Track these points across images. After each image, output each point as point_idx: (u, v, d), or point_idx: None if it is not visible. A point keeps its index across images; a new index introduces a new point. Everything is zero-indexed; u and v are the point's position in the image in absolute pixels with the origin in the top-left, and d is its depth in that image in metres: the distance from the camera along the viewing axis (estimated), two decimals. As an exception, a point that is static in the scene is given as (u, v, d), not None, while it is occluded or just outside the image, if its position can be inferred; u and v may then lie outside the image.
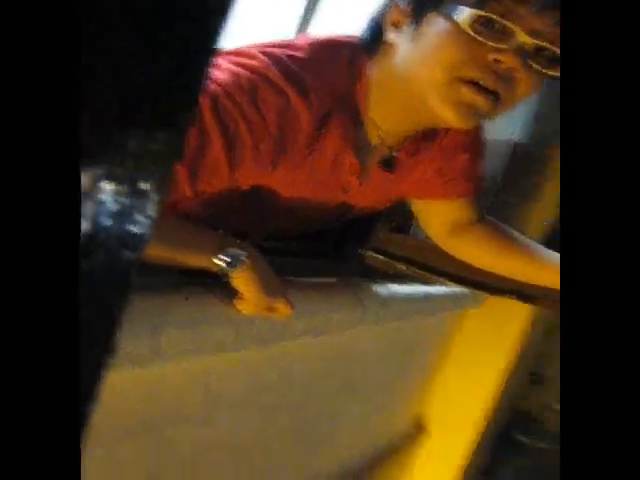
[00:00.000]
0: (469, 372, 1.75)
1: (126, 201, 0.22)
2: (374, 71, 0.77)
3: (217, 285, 0.67)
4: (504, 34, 0.63)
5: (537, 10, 0.63)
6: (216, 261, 0.64)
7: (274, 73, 0.71)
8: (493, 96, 0.67)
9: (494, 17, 0.62)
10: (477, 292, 1.37)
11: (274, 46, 0.75)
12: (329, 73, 0.76)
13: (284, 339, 0.80)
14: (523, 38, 0.63)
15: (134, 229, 0.23)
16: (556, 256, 1.02)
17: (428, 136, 0.89)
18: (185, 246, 0.65)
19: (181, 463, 0.79)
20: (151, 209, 0.23)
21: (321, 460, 1.23)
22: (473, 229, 1.04)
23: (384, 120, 0.80)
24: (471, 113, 0.69)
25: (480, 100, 0.67)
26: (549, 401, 3.91)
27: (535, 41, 0.63)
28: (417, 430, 1.80)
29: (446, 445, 1.79)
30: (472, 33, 0.63)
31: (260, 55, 0.72)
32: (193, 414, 0.76)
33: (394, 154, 0.86)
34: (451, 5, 0.64)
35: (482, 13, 0.62)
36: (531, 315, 1.72)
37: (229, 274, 0.65)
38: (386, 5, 0.74)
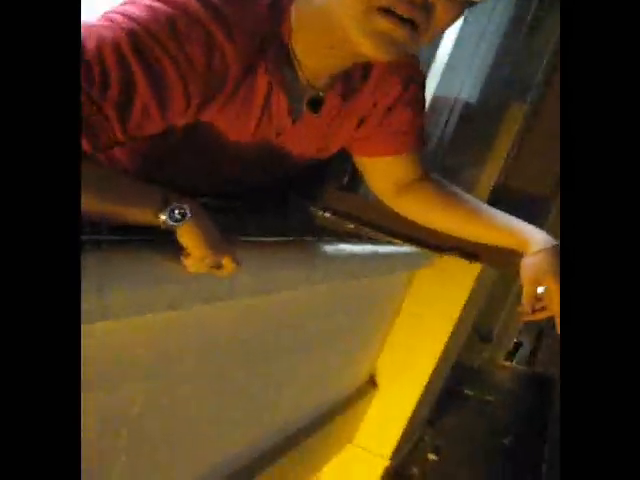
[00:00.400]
0: (419, 329, 1.80)
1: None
2: (297, 9, 0.76)
3: (163, 241, 0.66)
4: None
5: None
6: (161, 216, 0.64)
7: (196, 8, 0.68)
8: (410, 24, 0.66)
9: None
10: (426, 251, 1.40)
11: None
12: (252, 13, 0.74)
13: (232, 297, 0.80)
14: None
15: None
16: (500, 214, 1.05)
17: (357, 79, 0.89)
18: (127, 201, 0.63)
19: (138, 416, 0.79)
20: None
21: (272, 417, 1.26)
22: (419, 186, 1.06)
23: (310, 58, 0.80)
24: (388, 43, 0.67)
25: (396, 29, 0.65)
26: (495, 356, 4.07)
27: None
28: (369, 384, 1.85)
29: (395, 398, 1.86)
30: None
31: None
32: (137, 372, 0.76)
33: (321, 94, 0.86)
34: None
35: None
36: (480, 274, 1.77)
37: (174, 229, 0.65)
38: None
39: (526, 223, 1.02)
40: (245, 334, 0.97)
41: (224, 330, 0.91)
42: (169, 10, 0.67)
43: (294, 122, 0.87)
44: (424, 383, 1.82)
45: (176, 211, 0.64)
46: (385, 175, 1.06)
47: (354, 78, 0.89)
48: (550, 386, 3.91)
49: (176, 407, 0.87)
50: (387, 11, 0.64)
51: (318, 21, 0.74)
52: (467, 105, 1.73)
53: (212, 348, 0.90)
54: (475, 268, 1.72)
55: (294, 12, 0.77)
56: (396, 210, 1.11)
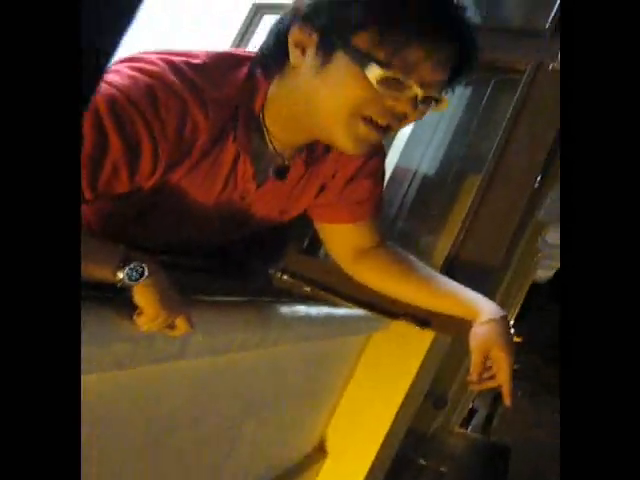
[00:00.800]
0: (371, 394, 1.79)
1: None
2: (274, 87, 0.82)
3: (116, 299, 0.66)
4: (402, 87, 0.72)
5: (432, 66, 0.72)
6: (119, 274, 0.64)
7: (172, 79, 0.74)
8: (385, 129, 0.77)
9: (399, 77, 0.71)
10: (382, 316, 1.42)
11: (173, 54, 0.78)
12: (227, 85, 0.80)
13: (183, 358, 0.79)
14: (416, 91, 0.73)
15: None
16: (451, 284, 1.08)
17: (321, 150, 0.94)
18: (86, 256, 0.63)
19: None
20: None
21: (219, 482, 1.22)
22: (374, 253, 1.09)
23: (280, 131, 0.85)
24: (364, 144, 0.78)
25: (374, 134, 0.77)
26: (450, 424, 4.04)
27: (425, 92, 0.73)
28: (318, 452, 1.81)
29: (346, 467, 1.82)
30: (378, 87, 0.71)
31: (159, 61, 0.75)
32: (84, 431, 0.74)
33: (287, 162, 0.91)
34: (362, 56, 0.71)
35: (390, 74, 0.70)
36: (435, 339, 1.79)
37: (130, 288, 0.65)
38: (286, 20, 0.77)
39: (476, 293, 1.05)
40: (191, 396, 0.96)
41: (169, 392, 0.89)
42: (149, 80, 0.72)
43: (258, 187, 0.90)
44: (375, 451, 1.79)
45: (134, 270, 0.64)
46: (343, 241, 1.09)
47: (318, 148, 0.94)
48: (505, 455, 3.89)
49: (109, 474, 0.84)
50: (368, 119, 0.75)
51: (299, 107, 0.80)
52: (426, 177, 1.80)
53: (155, 410, 0.88)
54: (430, 333, 1.74)
55: (273, 90, 0.82)
56: (353, 276, 1.13)
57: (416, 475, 2.70)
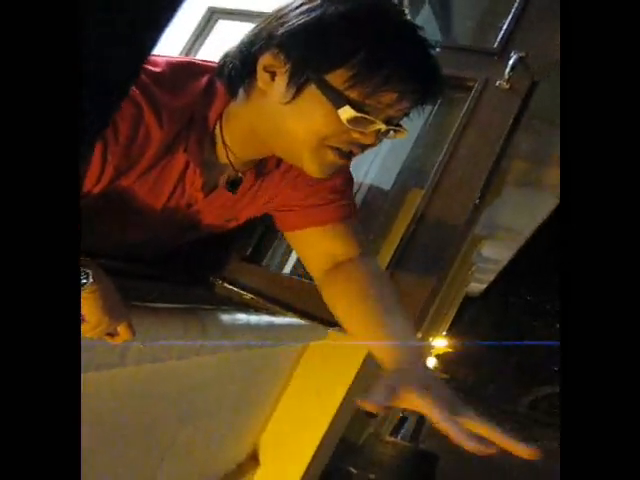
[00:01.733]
0: (305, 403, 1.80)
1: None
2: (236, 104, 0.82)
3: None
4: (370, 124, 0.75)
5: (402, 106, 0.76)
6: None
7: None
8: (349, 155, 0.81)
9: (368, 118, 0.74)
10: (320, 326, 1.44)
11: None
12: (185, 94, 0.79)
13: (123, 365, 0.78)
14: (380, 126, 0.76)
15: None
16: (399, 329, 0.89)
17: (274, 162, 0.94)
18: None
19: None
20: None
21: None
22: (342, 269, 0.97)
23: (238, 145, 0.86)
24: (330, 169, 0.81)
25: (340, 160, 0.80)
26: (381, 433, 4.11)
27: (389, 127, 0.77)
28: (251, 461, 1.81)
29: (277, 476, 1.82)
30: (348, 125, 0.74)
31: None
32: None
33: (240, 175, 0.91)
34: (336, 96, 0.72)
35: (361, 115, 0.73)
36: (366, 351, 1.81)
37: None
38: (258, 43, 0.76)
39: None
40: (127, 402, 0.94)
41: (105, 398, 0.88)
42: None
43: (206, 196, 0.90)
44: (307, 461, 1.80)
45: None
46: (312, 249, 0.99)
47: (270, 161, 0.95)
48: (432, 462, 3.99)
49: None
50: (335, 148, 0.78)
51: (262, 128, 0.81)
52: (370, 191, 1.84)
53: (92, 416, 0.86)
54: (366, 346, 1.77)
55: (235, 107, 0.82)
56: (322, 293, 0.99)
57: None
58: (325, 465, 2.25)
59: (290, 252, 1.72)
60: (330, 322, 1.28)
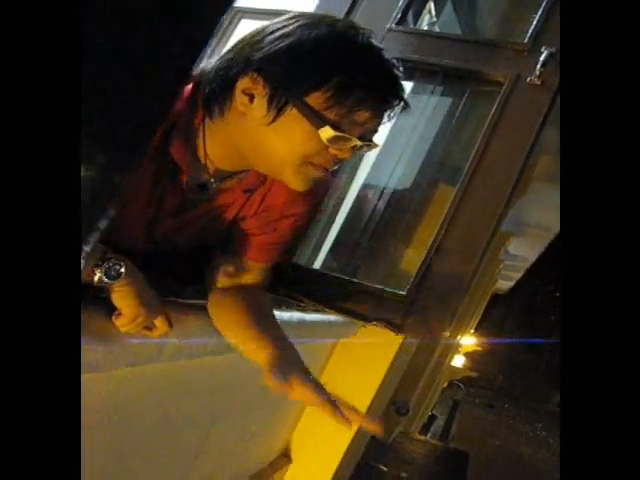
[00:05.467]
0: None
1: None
2: (215, 124, 0.84)
3: (93, 300, 0.65)
4: (347, 141, 0.79)
5: (376, 123, 0.81)
6: (97, 272, 0.62)
7: None
8: (326, 169, 0.85)
9: (347, 136, 0.78)
10: (351, 322, 1.43)
11: None
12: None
13: (159, 361, 0.78)
14: (356, 142, 0.80)
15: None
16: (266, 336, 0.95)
17: (257, 178, 0.95)
18: None
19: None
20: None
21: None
22: (237, 294, 0.98)
23: (216, 156, 0.88)
24: (310, 181, 0.85)
25: (318, 174, 0.84)
26: (410, 431, 4.08)
27: (364, 143, 0.81)
28: (283, 458, 1.80)
29: (309, 474, 1.81)
30: (327, 144, 0.78)
31: None
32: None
33: (211, 180, 0.91)
34: (315, 117, 0.76)
35: (340, 134, 0.77)
36: (399, 347, 1.80)
37: (108, 287, 0.63)
38: (236, 66, 0.79)
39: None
40: (162, 399, 0.94)
41: (140, 394, 0.88)
42: None
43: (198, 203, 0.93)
44: (339, 458, 1.79)
45: (112, 268, 0.63)
46: (229, 270, 1.00)
47: (253, 176, 0.94)
48: (463, 461, 3.95)
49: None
50: (314, 164, 0.82)
51: (241, 144, 0.83)
52: (397, 188, 1.82)
53: (126, 412, 0.86)
54: (396, 340, 1.75)
55: (213, 126, 0.84)
56: (210, 304, 0.97)
57: (376, 481, 2.72)
58: (356, 463, 2.23)
59: (320, 248, 1.71)
60: (364, 316, 1.27)
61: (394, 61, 0.81)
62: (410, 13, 2.11)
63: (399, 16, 2.02)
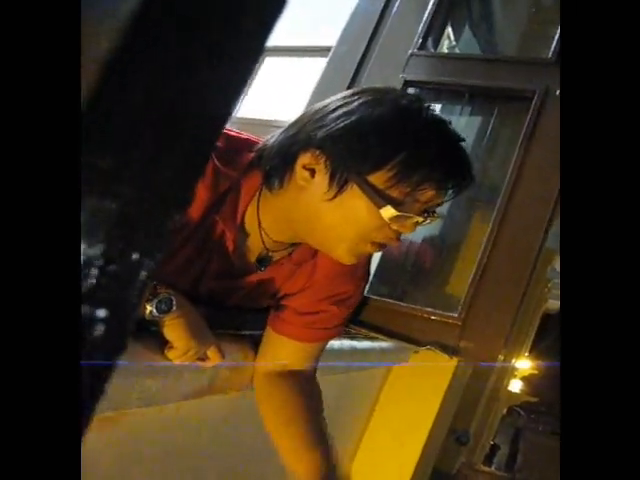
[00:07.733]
0: (394, 431, 1.75)
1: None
2: (272, 195, 0.82)
3: (145, 333, 0.66)
4: (407, 218, 0.77)
5: (434, 196, 0.77)
6: (147, 306, 0.63)
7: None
8: (384, 246, 0.81)
9: (408, 215, 0.76)
10: (403, 348, 1.40)
11: None
12: (232, 166, 0.82)
13: (211, 392, 0.78)
14: (418, 219, 0.77)
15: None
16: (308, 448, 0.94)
17: (309, 253, 0.92)
18: None
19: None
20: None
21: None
22: (285, 382, 0.94)
23: (269, 227, 0.85)
24: (360, 257, 0.83)
25: (375, 251, 0.82)
26: (473, 461, 3.93)
27: (426, 219, 0.78)
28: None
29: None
30: (390, 223, 0.76)
31: None
32: (107, 475, 0.72)
33: (270, 254, 0.89)
34: (378, 196, 0.74)
35: (402, 214, 0.74)
36: (454, 373, 1.76)
37: (159, 321, 0.64)
38: (298, 143, 0.78)
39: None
40: (219, 430, 0.94)
41: (196, 425, 0.87)
42: None
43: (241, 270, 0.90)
44: (402, 489, 1.74)
45: (163, 302, 0.64)
46: (276, 353, 0.95)
47: (304, 250, 0.92)
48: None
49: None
50: (373, 242, 0.79)
51: (296, 217, 0.81)
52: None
53: (188, 447, 0.86)
54: (450, 366, 1.71)
55: (270, 197, 0.83)
56: (257, 397, 0.95)
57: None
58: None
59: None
60: (417, 341, 1.24)
61: (458, 134, 0.78)
62: (430, 40, 2.14)
63: (420, 42, 2.05)
